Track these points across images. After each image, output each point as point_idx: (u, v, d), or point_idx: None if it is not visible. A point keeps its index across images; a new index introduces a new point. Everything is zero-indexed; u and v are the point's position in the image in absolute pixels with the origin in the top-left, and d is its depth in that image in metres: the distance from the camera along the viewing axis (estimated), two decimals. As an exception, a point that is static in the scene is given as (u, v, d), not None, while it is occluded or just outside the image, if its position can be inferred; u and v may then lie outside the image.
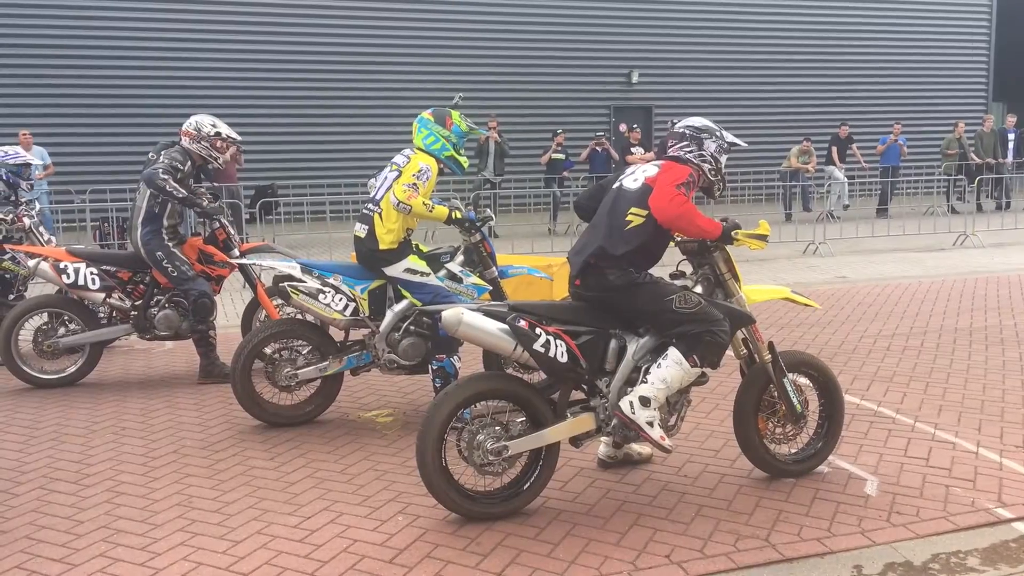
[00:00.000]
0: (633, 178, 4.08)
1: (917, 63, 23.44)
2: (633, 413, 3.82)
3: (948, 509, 3.96)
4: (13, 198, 7.32)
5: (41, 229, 7.22)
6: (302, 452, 4.86)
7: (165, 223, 6.22)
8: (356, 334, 5.55)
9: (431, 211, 5.08)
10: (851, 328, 7.76)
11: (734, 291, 4.19)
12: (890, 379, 6.11)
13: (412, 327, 5.22)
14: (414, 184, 5.00)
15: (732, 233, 4.05)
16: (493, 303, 4.19)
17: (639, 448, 4.52)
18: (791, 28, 22.18)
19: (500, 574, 3.44)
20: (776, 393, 4.29)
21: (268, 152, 17.74)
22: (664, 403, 3.93)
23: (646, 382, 3.86)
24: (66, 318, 6.39)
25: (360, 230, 5.21)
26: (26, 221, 7.08)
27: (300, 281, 5.21)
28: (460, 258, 5.49)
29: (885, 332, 7.57)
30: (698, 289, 4.14)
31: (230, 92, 17.58)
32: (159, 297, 6.38)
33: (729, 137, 4.20)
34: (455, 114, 5.33)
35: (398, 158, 5.28)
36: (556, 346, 3.83)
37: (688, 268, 4.29)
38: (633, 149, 16.12)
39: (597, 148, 16.60)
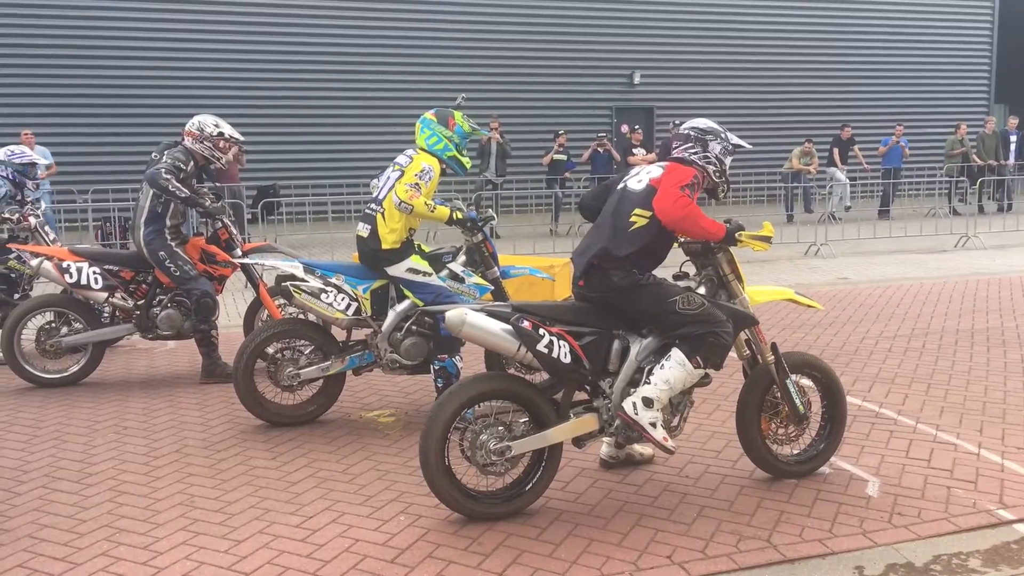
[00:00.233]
0: (638, 179, 4.08)
1: (919, 65, 23.43)
2: (636, 414, 3.83)
3: (950, 510, 3.97)
4: (19, 197, 7.33)
5: (47, 228, 7.22)
6: (304, 452, 4.87)
7: (168, 223, 6.22)
8: (358, 334, 5.55)
9: (433, 211, 5.09)
10: (852, 329, 7.76)
11: (737, 292, 4.20)
12: (892, 380, 6.11)
13: (414, 327, 5.23)
14: (416, 184, 5.01)
15: (736, 235, 4.06)
16: (496, 303, 4.19)
17: (641, 449, 4.53)
18: (793, 29, 22.17)
19: (502, 574, 3.44)
20: (779, 394, 4.29)
21: (270, 152, 17.74)
22: (667, 404, 3.94)
23: (649, 383, 3.87)
24: (71, 317, 6.39)
25: (363, 230, 5.22)
26: (32, 220, 7.09)
27: (303, 281, 5.22)
28: (462, 258, 5.49)
29: (887, 333, 7.57)
30: (701, 290, 4.14)
31: (232, 92, 17.59)
32: (161, 297, 6.38)
33: (734, 139, 4.20)
34: (458, 115, 5.33)
35: (401, 158, 5.29)
36: (559, 347, 3.83)
37: (692, 269, 4.29)
38: (635, 150, 16.13)
39: (599, 149, 16.59)
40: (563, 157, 16.12)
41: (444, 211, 5.19)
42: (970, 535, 3.75)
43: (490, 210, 5.72)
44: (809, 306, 4.55)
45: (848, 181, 17.33)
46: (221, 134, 6.32)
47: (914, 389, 5.89)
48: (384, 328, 5.25)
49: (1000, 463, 4.53)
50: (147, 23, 17.26)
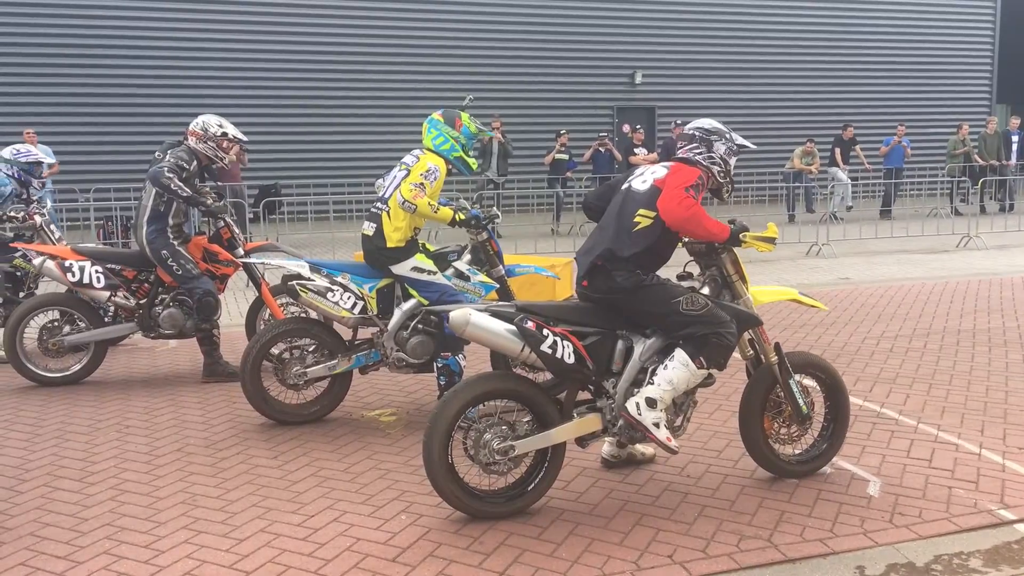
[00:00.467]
0: (642, 180, 4.08)
1: (921, 65, 23.43)
2: (639, 414, 3.83)
3: (951, 510, 3.97)
4: (24, 196, 7.34)
5: (52, 227, 7.24)
6: (306, 451, 4.87)
7: (170, 222, 6.23)
8: (364, 333, 5.56)
9: (436, 212, 5.10)
10: (854, 329, 7.75)
11: (741, 293, 4.19)
12: (893, 380, 6.11)
13: (420, 325, 5.24)
14: (421, 184, 5.03)
15: (740, 235, 4.05)
16: (501, 303, 4.19)
17: (643, 448, 4.53)
18: (795, 29, 22.17)
19: (503, 573, 3.45)
20: (782, 394, 4.29)
21: (272, 151, 17.75)
22: (670, 404, 3.94)
23: (652, 383, 3.87)
24: (75, 316, 6.40)
25: (368, 228, 5.23)
26: (37, 219, 7.10)
27: (309, 279, 5.22)
28: (467, 256, 5.50)
29: (888, 333, 7.57)
30: (705, 291, 4.14)
31: (234, 92, 17.60)
32: (163, 296, 6.39)
33: (738, 139, 4.20)
34: (464, 115, 5.35)
35: (407, 158, 5.30)
36: (563, 347, 3.83)
37: (695, 269, 4.29)
38: (636, 150, 16.13)
39: (600, 149, 16.60)
40: (565, 157, 16.13)
41: (447, 212, 5.20)
42: (971, 535, 3.75)
43: (494, 208, 5.72)
44: (813, 306, 4.54)
45: (850, 181, 17.34)
46: (225, 134, 6.33)
47: (915, 389, 5.89)
48: (390, 327, 5.26)
49: (1001, 463, 4.53)
50: (148, 23, 17.27)
